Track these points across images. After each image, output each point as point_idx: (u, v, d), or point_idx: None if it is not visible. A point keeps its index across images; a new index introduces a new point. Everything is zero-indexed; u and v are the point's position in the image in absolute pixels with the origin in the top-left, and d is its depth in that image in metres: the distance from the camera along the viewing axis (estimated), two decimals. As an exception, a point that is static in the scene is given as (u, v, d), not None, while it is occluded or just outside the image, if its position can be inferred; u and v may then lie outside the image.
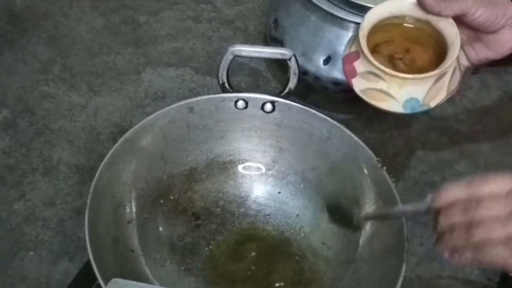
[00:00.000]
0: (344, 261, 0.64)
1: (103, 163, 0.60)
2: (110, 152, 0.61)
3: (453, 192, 0.45)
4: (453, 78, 0.56)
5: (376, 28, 0.57)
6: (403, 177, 0.77)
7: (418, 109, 0.56)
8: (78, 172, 0.75)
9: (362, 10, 0.70)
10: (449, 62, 0.54)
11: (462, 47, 0.58)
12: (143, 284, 0.53)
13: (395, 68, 0.57)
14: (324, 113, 0.66)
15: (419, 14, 0.56)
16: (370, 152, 0.63)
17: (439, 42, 0.56)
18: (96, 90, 0.84)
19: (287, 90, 0.68)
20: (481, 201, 0.43)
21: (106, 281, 0.52)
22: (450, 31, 0.55)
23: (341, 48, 0.74)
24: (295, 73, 0.67)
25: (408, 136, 0.81)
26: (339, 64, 0.75)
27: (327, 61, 0.76)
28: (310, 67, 0.77)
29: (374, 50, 0.57)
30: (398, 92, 0.55)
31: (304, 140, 0.68)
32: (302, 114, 0.67)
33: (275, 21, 0.81)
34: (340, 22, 0.74)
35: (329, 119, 0.65)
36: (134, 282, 0.52)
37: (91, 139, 0.78)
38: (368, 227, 0.64)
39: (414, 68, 0.57)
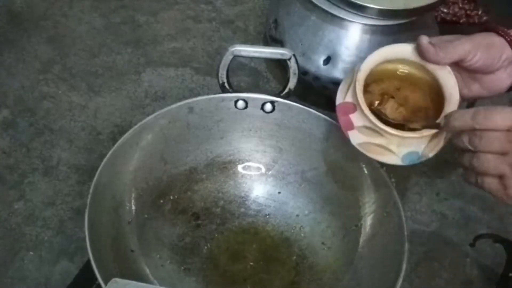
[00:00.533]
0: (344, 261, 0.64)
1: (103, 163, 0.60)
2: (110, 152, 0.61)
3: (460, 122, 0.49)
4: None
5: (371, 73, 0.56)
6: (403, 177, 0.77)
7: (417, 161, 0.56)
8: (78, 172, 0.75)
9: (362, 10, 0.70)
10: None
11: None
12: (143, 284, 0.53)
13: (388, 107, 0.56)
14: (324, 113, 0.66)
15: (414, 58, 0.55)
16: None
17: (433, 84, 0.55)
18: (96, 90, 0.84)
19: (287, 90, 0.68)
20: (482, 135, 0.47)
21: (106, 281, 0.52)
22: (448, 79, 0.54)
23: (341, 48, 0.75)
24: (295, 73, 0.67)
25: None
26: (339, 64, 0.75)
27: (327, 61, 0.76)
28: (310, 67, 0.77)
29: (365, 90, 0.56)
30: (397, 148, 0.55)
31: (304, 140, 0.68)
32: (302, 114, 0.67)
33: (275, 21, 0.80)
34: (340, 22, 0.74)
35: (329, 119, 0.65)
36: (134, 282, 0.52)
37: (91, 139, 0.78)
38: (368, 227, 0.64)
39: (408, 107, 0.57)
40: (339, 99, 0.57)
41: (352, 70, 0.57)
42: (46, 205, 0.71)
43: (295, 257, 0.66)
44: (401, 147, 0.55)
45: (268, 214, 0.70)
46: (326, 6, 0.73)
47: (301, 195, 0.70)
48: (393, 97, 0.57)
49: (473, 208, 0.76)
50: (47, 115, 0.80)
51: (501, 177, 0.48)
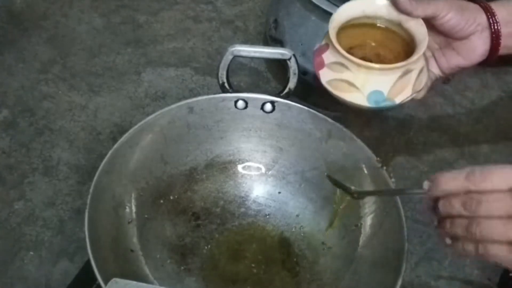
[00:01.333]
0: (344, 261, 0.64)
1: (103, 163, 0.60)
2: (110, 152, 0.61)
3: (452, 183, 0.44)
4: (419, 77, 0.56)
5: (349, 27, 0.58)
6: (403, 177, 0.77)
7: (382, 104, 0.55)
8: (78, 172, 0.75)
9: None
10: (416, 57, 0.54)
11: (433, 55, 0.59)
12: (143, 284, 0.53)
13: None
14: (324, 113, 0.66)
15: (391, 14, 0.57)
16: (370, 152, 0.63)
17: (409, 44, 0.57)
18: (96, 90, 0.84)
19: (287, 90, 0.68)
20: (482, 199, 0.42)
21: (106, 281, 0.52)
22: (419, 30, 0.56)
23: (341, 48, 0.75)
24: (295, 73, 0.67)
25: (408, 136, 0.81)
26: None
27: (327, 61, 0.76)
28: (310, 67, 0.77)
29: (348, 52, 0.57)
30: (362, 83, 0.55)
31: (304, 140, 0.68)
32: (302, 114, 0.67)
33: (275, 21, 0.80)
34: (340, 22, 0.74)
35: (329, 119, 0.65)
36: (134, 282, 0.52)
37: (91, 139, 0.78)
38: (368, 227, 0.64)
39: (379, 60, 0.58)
40: (316, 45, 0.60)
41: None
42: (46, 205, 0.71)
43: (295, 257, 0.66)
44: (366, 84, 0.55)
45: (268, 214, 0.70)
46: (326, 6, 0.73)
47: (301, 195, 0.70)
48: (371, 61, 0.57)
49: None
50: (47, 115, 0.80)
51: (510, 243, 0.41)
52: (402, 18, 0.57)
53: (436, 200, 0.45)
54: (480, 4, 0.55)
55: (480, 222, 0.42)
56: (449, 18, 0.54)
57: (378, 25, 0.59)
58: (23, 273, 0.66)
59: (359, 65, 0.54)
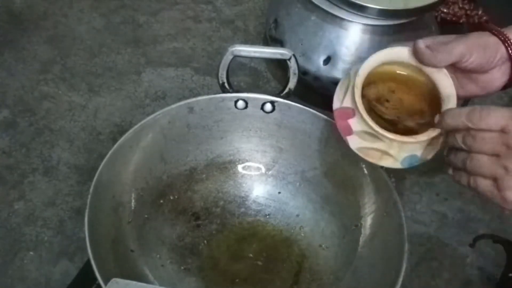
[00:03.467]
0: (344, 261, 0.64)
1: (103, 163, 0.60)
2: (110, 152, 0.61)
3: (455, 119, 0.49)
4: None
5: (368, 77, 0.56)
6: (403, 177, 0.77)
7: (416, 163, 0.56)
8: (78, 172, 0.75)
9: (362, 10, 0.70)
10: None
11: None
12: (143, 284, 0.53)
13: (383, 109, 0.56)
14: (324, 113, 0.66)
15: (411, 61, 0.55)
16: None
17: (432, 89, 0.55)
18: (96, 90, 0.84)
19: (287, 90, 0.68)
20: (476, 135, 0.47)
21: (106, 281, 0.52)
22: (445, 82, 0.54)
23: (341, 48, 0.75)
24: (295, 73, 0.67)
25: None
26: (339, 64, 0.75)
27: (327, 61, 0.76)
28: (310, 67, 0.77)
29: (369, 104, 0.56)
30: (397, 152, 0.55)
31: (304, 140, 0.68)
32: (302, 114, 0.67)
33: (275, 21, 0.81)
34: (340, 22, 0.74)
35: (329, 119, 0.65)
36: (134, 282, 0.52)
37: (91, 139, 0.78)
38: (368, 227, 0.64)
39: (403, 109, 0.57)
40: (336, 104, 0.57)
41: (348, 74, 0.57)
42: (46, 205, 0.71)
43: (295, 257, 0.66)
44: (400, 152, 0.55)
45: (268, 214, 0.70)
46: (326, 6, 0.73)
47: (301, 195, 0.70)
48: (387, 100, 0.57)
49: (473, 208, 0.76)
50: (47, 115, 0.80)
51: (495, 179, 0.47)
52: (424, 66, 0.55)
53: (447, 132, 0.51)
54: (499, 37, 0.53)
55: (472, 157, 0.48)
56: (472, 61, 0.53)
57: (398, 71, 0.57)
58: (23, 273, 0.66)
59: (392, 139, 0.53)
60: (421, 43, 0.54)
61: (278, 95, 0.68)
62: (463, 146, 0.48)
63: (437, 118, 0.51)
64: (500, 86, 0.56)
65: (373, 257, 0.62)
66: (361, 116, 0.54)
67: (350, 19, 0.72)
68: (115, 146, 0.61)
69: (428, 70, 0.55)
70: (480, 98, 0.59)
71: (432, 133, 0.53)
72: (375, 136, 0.54)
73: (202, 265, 0.65)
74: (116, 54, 0.89)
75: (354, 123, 0.55)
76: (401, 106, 0.57)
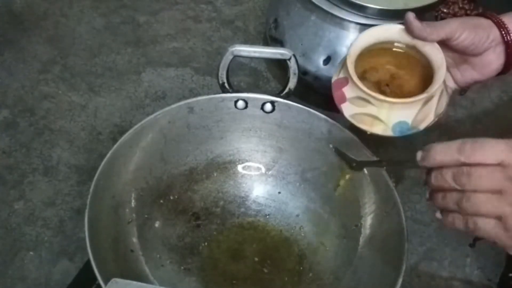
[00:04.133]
0: (344, 261, 0.64)
1: (103, 163, 0.60)
2: (110, 152, 0.61)
3: (443, 155, 0.44)
4: (440, 101, 0.57)
5: (364, 54, 0.57)
6: (403, 177, 0.77)
7: (407, 132, 0.56)
8: (78, 172, 0.75)
9: (362, 10, 0.70)
10: (436, 86, 0.54)
11: (448, 70, 0.59)
12: (143, 284, 0.53)
13: (383, 93, 0.57)
14: (324, 113, 0.66)
15: (406, 39, 0.57)
16: (370, 152, 0.63)
17: (426, 66, 0.57)
18: (96, 90, 0.84)
19: (287, 90, 0.68)
20: (472, 172, 0.42)
21: (106, 281, 0.52)
22: (436, 55, 0.56)
23: (341, 48, 0.75)
24: (295, 73, 0.67)
25: (408, 136, 0.81)
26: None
27: (327, 61, 0.76)
28: (310, 67, 0.77)
29: (362, 76, 0.57)
30: (387, 116, 0.55)
31: (304, 140, 0.68)
32: (302, 114, 0.67)
33: (275, 21, 0.80)
34: (340, 22, 0.74)
35: (329, 119, 0.65)
36: (134, 282, 0.52)
37: (91, 139, 0.78)
38: (368, 227, 0.64)
39: (402, 94, 0.58)
40: (334, 77, 0.59)
41: (346, 52, 0.58)
42: (46, 205, 0.71)
43: (295, 257, 0.66)
44: (390, 116, 0.55)
45: (268, 214, 0.70)
46: (326, 6, 0.73)
47: (301, 195, 0.70)
48: (387, 85, 0.58)
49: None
50: (47, 115, 0.80)
51: (499, 218, 0.42)
52: (417, 42, 0.56)
53: (429, 171, 0.46)
54: (493, 19, 0.55)
55: (469, 197, 0.43)
56: (464, 38, 0.54)
57: (393, 49, 0.58)
58: (23, 273, 0.66)
59: (382, 100, 0.54)
60: (411, 15, 0.55)
61: (278, 95, 0.68)
62: (454, 185, 0.43)
63: (419, 154, 0.46)
64: (497, 69, 0.56)
65: (373, 257, 0.62)
66: (353, 82, 0.55)
67: (350, 19, 0.72)
68: (115, 146, 0.61)
69: (420, 44, 0.56)
70: (478, 83, 0.59)
71: (420, 95, 0.54)
72: (365, 100, 0.55)
73: (202, 265, 0.65)
74: (116, 54, 0.89)
75: (347, 90, 0.57)
76: (400, 91, 0.58)
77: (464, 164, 0.42)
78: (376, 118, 0.56)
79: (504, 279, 0.67)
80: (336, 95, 0.58)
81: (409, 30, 0.55)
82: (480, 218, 0.43)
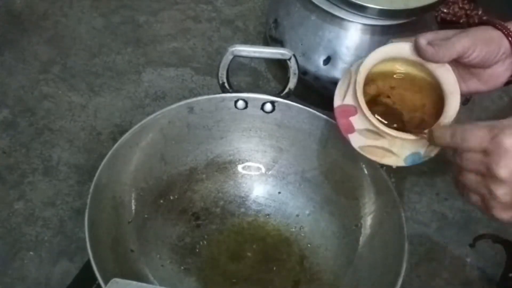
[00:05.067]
0: (344, 261, 0.64)
1: (103, 163, 0.60)
2: (110, 152, 0.61)
3: (441, 140, 0.50)
4: None
5: (369, 77, 0.55)
6: (403, 177, 0.77)
7: (419, 161, 0.55)
8: (78, 172, 0.75)
9: (362, 10, 0.70)
10: (453, 117, 0.52)
11: None
12: (143, 284, 0.53)
13: (384, 106, 0.56)
14: (324, 113, 0.66)
15: (414, 58, 0.55)
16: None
17: (435, 85, 0.55)
18: (96, 90, 0.84)
19: (287, 90, 0.68)
20: (462, 155, 0.47)
21: (106, 281, 0.52)
22: (448, 78, 0.54)
23: (341, 48, 0.75)
24: (295, 73, 0.67)
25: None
26: (339, 64, 0.75)
27: (327, 61, 0.76)
28: (310, 67, 0.77)
29: (369, 101, 0.55)
30: (399, 149, 0.54)
31: (304, 140, 0.68)
32: (302, 114, 0.67)
33: (275, 21, 0.80)
34: (340, 22, 0.74)
35: (329, 119, 0.65)
36: (134, 282, 0.52)
37: (91, 139, 0.78)
38: (368, 227, 0.64)
39: (405, 105, 0.56)
40: (337, 102, 0.56)
41: (349, 71, 0.56)
42: (46, 205, 0.71)
43: (295, 257, 0.66)
44: (403, 149, 0.54)
45: (268, 214, 0.70)
46: (326, 6, 0.73)
47: (301, 195, 0.70)
48: (388, 97, 0.57)
49: (473, 208, 0.76)
50: (47, 115, 0.80)
51: (482, 197, 0.47)
52: (428, 64, 0.54)
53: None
54: (503, 31, 0.53)
55: (462, 174, 0.48)
56: (476, 55, 0.52)
57: (398, 69, 0.56)
58: (23, 273, 0.66)
59: (395, 137, 0.52)
60: (423, 40, 0.53)
61: (278, 95, 0.68)
62: (454, 161, 0.49)
63: (428, 133, 0.51)
64: (504, 81, 0.55)
65: (373, 257, 0.62)
66: (364, 114, 0.53)
67: (350, 19, 0.72)
68: (115, 146, 0.61)
69: (430, 65, 0.54)
70: (482, 94, 0.58)
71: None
72: (377, 133, 0.53)
73: (202, 265, 0.65)
74: (116, 54, 0.89)
75: (356, 121, 0.54)
76: (402, 102, 0.56)
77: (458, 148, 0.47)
78: (388, 150, 0.54)
79: (504, 279, 0.67)
80: (342, 123, 0.55)
81: (420, 54, 0.54)
82: (470, 192, 0.49)
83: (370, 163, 0.63)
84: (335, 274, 0.64)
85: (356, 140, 0.55)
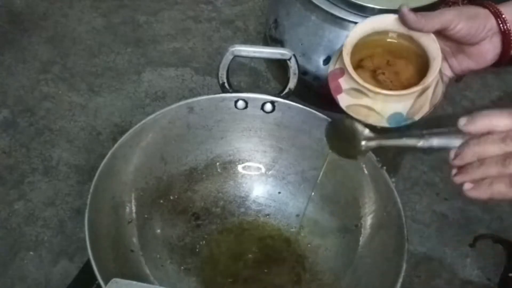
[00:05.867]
0: (344, 261, 0.64)
1: (103, 163, 0.60)
2: (110, 152, 0.61)
3: (468, 127, 0.48)
4: (436, 91, 0.57)
5: (360, 44, 0.58)
6: (403, 177, 0.77)
7: (403, 123, 0.57)
8: (78, 172, 0.75)
9: (362, 10, 0.70)
10: (431, 78, 0.54)
11: (445, 58, 0.59)
12: (143, 284, 0.53)
13: (379, 82, 0.58)
14: (324, 113, 0.66)
15: (402, 29, 0.57)
16: (370, 152, 0.63)
17: (422, 56, 0.57)
18: (96, 90, 0.84)
19: (287, 90, 0.68)
20: (482, 140, 0.47)
21: (106, 281, 0.52)
22: (432, 46, 0.56)
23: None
24: (295, 73, 0.67)
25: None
26: (339, 64, 0.75)
27: (327, 61, 0.76)
28: (310, 67, 0.77)
29: (358, 65, 0.58)
30: (382, 108, 0.56)
31: (304, 140, 0.68)
32: (302, 114, 0.67)
33: (275, 21, 0.81)
34: (340, 22, 0.74)
35: (329, 119, 0.65)
36: (134, 282, 0.52)
37: (91, 139, 0.78)
38: (368, 227, 0.64)
39: (398, 82, 0.58)
40: (330, 68, 0.59)
41: (343, 44, 0.58)
42: (46, 205, 0.71)
43: (295, 257, 0.66)
44: (385, 108, 0.56)
45: (268, 214, 0.70)
46: (326, 6, 0.73)
47: (301, 195, 0.70)
48: (383, 73, 0.58)
49: (473, 208, 0.76)
50: (47, 115, 0.80)
51: (510, 177, 0.46)
52: (413, 32, 0.56)
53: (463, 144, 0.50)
54: (490, 9, 0.55)
55: (483, 161, 0.47)
56: (459, 28, 0.54)
57: (388, 39, 0.58)
58: (23, 273, 0.66)
59: (376, 92, 0.54)
60: (406, 8, 0.55)
61: (278, 95, 0.68)
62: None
63: (463, 120, 0.49)
64: (493, 58, 0.57)
65: (373, 257, 0.62)
66: (348, 73, 0.55)
67: (350, 19, 0.72)
68: (115, 146, 0.61)
69: (416, 35, 0.56)
70: (474, 73, 0.60)
71: (415, 88, 0.54)
72: (361, 92, 0.55)
73: (202, 265, 0.65)
74: (116, 54, 0.89)
75: (343, 81, 0.57)
76: (396, 78, 0.58)
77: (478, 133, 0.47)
78: (371, 109, 0.56)
79: (504, 279, 0.67)
80: (332, 85, 0.58)
81: (404, 22, 0.55)
82: (495, 183, 0.47)
83: (370, 163, 0.63)
84: (335, 274, 0.64)
85: (343, 100, 0.57)
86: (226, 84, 0.67)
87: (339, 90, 0.57)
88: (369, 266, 0.61)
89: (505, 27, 0.54)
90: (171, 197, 0.68)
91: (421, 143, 0.53)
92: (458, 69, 0.59)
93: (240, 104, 0.67)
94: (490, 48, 0.56)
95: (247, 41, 0.92)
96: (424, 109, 0.56)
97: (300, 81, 0.68)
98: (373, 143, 0.58)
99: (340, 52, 0.57)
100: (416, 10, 0.70)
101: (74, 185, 0.73)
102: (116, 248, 0.60)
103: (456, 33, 0.54)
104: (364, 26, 0.57)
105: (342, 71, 0.57)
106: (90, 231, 0.55)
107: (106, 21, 0.93)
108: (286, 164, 0.71)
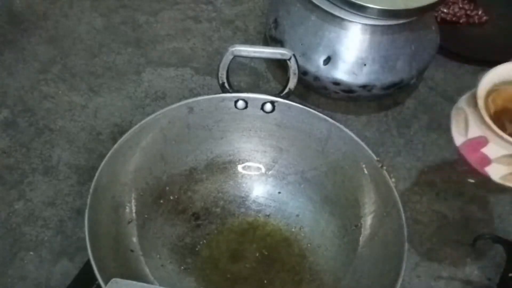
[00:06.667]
0: (344, 261, 0.64)
1: (103, 163, 0.60)
2: (110, 152, 0.61)
3: None
4: None
5: (490, 101, 0.52)
6: (403, 177, 0.77)
7: None
8: (78, 172, 0.75)
9: (362, 10, 0.70)
10: None
11: None
12: (143, 284, 0.53)
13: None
14: (324, 113, 0.66)
15: None
16: (370, 152, 0.63)
17: None
18: (96, 90, 0.84)
19: (287, 90, 0.68)
20: None
21: (106, 281, 0.52)
22: None
23: (341, 48, 0.75)
24: (295, 73, 0.67)
25: (408, 136, 0.81)
26: (339, 64, 0.75)
27: (327, 61, 0.76)
28: (310, 67, 0.77)
29: (493, 117, 0.51)
30: None
31: (304, 140, 0.68)
32: (302, 114, 0.67)
33: (275, 21, 0.81)
34: (340, 22, 0.74)
35: (329, 119, 0.65)
36: (134, 282, 0.52)
37: (91, 139, 0.78)
38: (368, 227, 0.64)
39: None
40: (460, 139, 0.53)
41: (457, 108, 0.52)
42: (46, 205, 0.71)
43: (295, 257, 0.66)
44: None
45: (268, 214, 0.70)
46: (326, 6, 0.73)
47: (301, 195, 0.70)
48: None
49: (473, 208, 0.76)
50: (47, 115, 0.80)
51: None
52: None
53: None
54: None
55: None
56: None
57: None
58: (23, 273, 0.66)
59: None
60: None
61: (278, 95, 0.68)
62: None
63: None
64: None
65: (373, 257, 0.62)
66: (499, 136, 0.49)
67: (350, 19, 0.72)
68: (115, 146, 0.61)
69: None
70: None
71: None
72: None
73: (202, 265, 0.65)
74: (116, 54, 0.89)
75: (490, 150, 0.51)
76: None
77: None
78: None
79: (504, 279, 0.67)
80: (473, 158, 0.52)
81: None
82: None
83: (371, 163, 0.63)
84: (335, 274, 0.64)
85: (496, 172, 0.52)
86: (226, 84, 0.67)
87: (486, 161, 0.51)
88: (369, 266, 0.61)
89: None
90: (171, 197, 0.68)
91: None
92: None
93: (240, 104, 0.67)
94: None
95: (247, 41, 0.91)
96: None
97: (300, 81, 0.68)
98: None
99: (464, 118, 0.51)
100: (416, 10, 0.70)
101: (74, 185, 0.73)
102: (116, 248, 0.60)
103: None
104: (486, 81, 0.51)
105: (485, 139, 0.50)
106: (90, 231, 0.55)
107: (106, 21, 0.93)
108: (286, 164, 0.71)
